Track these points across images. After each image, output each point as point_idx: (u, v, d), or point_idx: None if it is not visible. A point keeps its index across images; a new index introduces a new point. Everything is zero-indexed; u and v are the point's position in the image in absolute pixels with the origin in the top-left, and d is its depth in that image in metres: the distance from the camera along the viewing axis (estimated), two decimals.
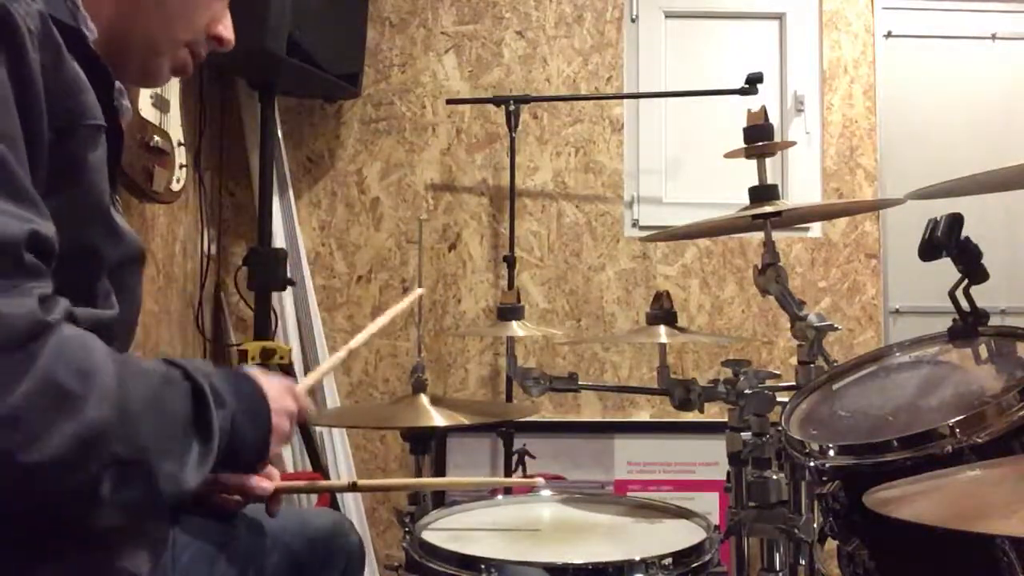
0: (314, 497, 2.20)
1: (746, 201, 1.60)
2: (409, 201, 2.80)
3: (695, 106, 2.80)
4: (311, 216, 2.78)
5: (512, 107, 2.58)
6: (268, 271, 2.39)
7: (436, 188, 2.80)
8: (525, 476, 2.57)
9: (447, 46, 2.83)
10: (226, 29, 1.01)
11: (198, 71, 2.47)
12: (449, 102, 2.72)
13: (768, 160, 1.61)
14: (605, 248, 2.82)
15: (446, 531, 1.44)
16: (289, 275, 2.47)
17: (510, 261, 2.61)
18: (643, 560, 1.24)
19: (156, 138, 1.83)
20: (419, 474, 1.62)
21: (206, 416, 0.84)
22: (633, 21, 2.86)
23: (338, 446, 2.61)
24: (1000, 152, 2.48)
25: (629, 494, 2.33)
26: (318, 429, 2.51)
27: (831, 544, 1.19)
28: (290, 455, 2.50)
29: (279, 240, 2.57)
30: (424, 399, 1.53)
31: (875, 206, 2.67)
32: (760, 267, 1.57)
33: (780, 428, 1.28)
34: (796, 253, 2.83)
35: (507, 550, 1.32)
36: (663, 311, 1.69)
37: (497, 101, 2.61)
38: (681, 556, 1.28)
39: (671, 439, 2.71)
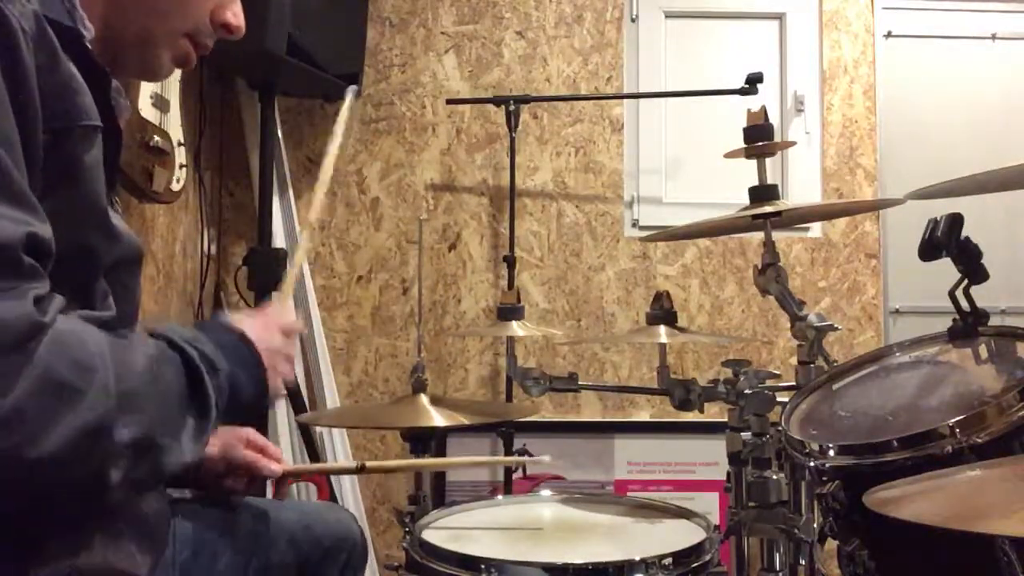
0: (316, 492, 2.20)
1: (746, 201, 1.60)
2: (409, 201, 2.80)
3: (695, 106, 2.80)
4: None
5: (512, 107, 2.58)
6: (268, 271, 2.39)
7: (436, 188, 2.80)
8: (525, 476, 2.58)
9: (447, 46, 2.83)
10: (235, 16, 0.98)
11: (199, 71, 2.49)
12: (449, 102, 2.72)
13: (768, 160, 1.61)
14: (605, 248, 2.82)
15: (446, 531, 1.44)
16: None
17: (510, 261, 2.61)
18: (643, 560, 1.24)
19: (156, 138, 1.83)
20: (420, 475, 1.62)
21: (201, 388, 0.84)
22: (633, 21, 2.86)
23: (338, 446, 2.61)
24: (1000, 152, 2.48)
25: (629, 494, 2.33)
26: (318, 429, 2.51)
27: (831, 544, 1.19)
28: (290, 455, 2.50)
29: (279, 240, 2.57)
30: (424, 399, 1.52)
31: (875, 206, 2.67)
32: (760, 267, 1.57)
33: (780, 428, 1.28)
34: (796, 253, 2.83)
35: (507, 550, 1.32)
36: (663, 311, 1.69)
37: (497, 101, 2.61)
38: (681, 556, 1.28)
39: (671, 439, 2.71)
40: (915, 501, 0.88)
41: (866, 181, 2.86)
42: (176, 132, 1.94)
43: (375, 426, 2.45)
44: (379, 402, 2.72)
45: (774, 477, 1.52)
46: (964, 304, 1.22)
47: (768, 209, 1.56)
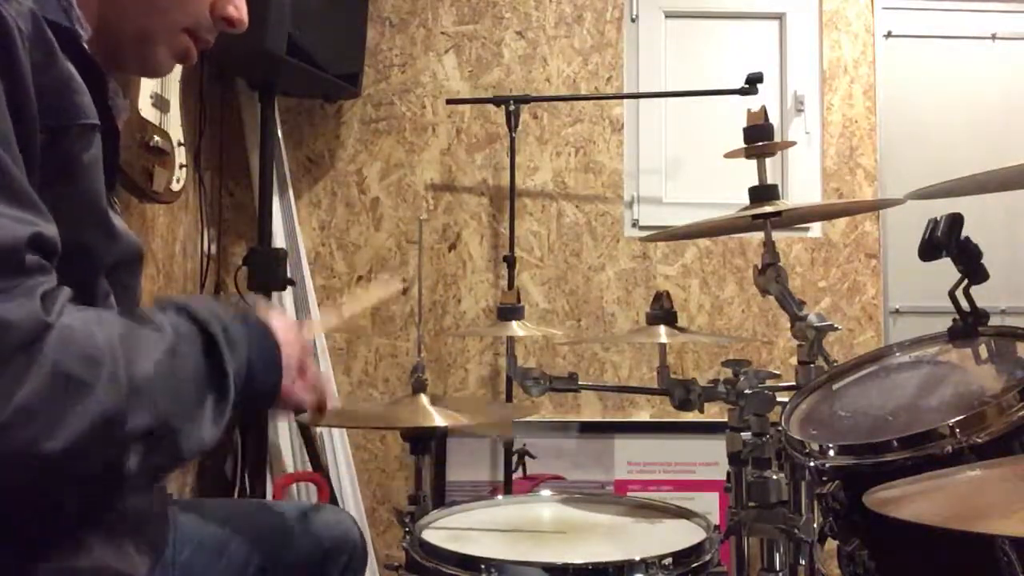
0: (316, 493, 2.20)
1: (746, 201, 1.60)
2: (409, 201, 2.80)
3: (695, 106, 2.80)
4: (311, 216, 2.78)
5: (512, 107, 2.57)
6: (268, 271, 2.39)
7: (436, 188, 2.80)
8: (525, 476, 2.58)
9: (447, 46, 2.83)
10: (236, 9, 0.95)
11: (199, 70, 2.49)
12: (449, 102, 2.72)
13: (768, 160, 1.61)
14: (605, 248, 2.82)
15: (446, 531, 1.44)
16: (289, 275, 2.47)
17: (510, 261, 2.61)
18: (643, 560, 1.24)
19: (156, 138, 1.83)
20: (420, 475, 1.62)
21: (221, 366, 0.82)
22: (633, 21, 2.86)
23: (338, 446, 2.60)
24: (1000, 152, 2.48)
25: (629, 494, 2.33)
26: (318, 429, 2.51)
27: (831, 544, 1.19)
28: (290, 455, 2.50)
29: (279, 240, 2.57)
30: (424, 399, 1.52)
31: (875, 206, 2.67)
32: (760, 267, 1.57)
33: (780, 428, 1.28)
34: (796, 253, 2.83)
35: (507, 550, 1.32)
36: (663, 311, 1.69)
37: (497, 101, 2.61)
38: (681, 556, 1.28)
39: (671, 439, 2.71)
40: (915, 501, 0.88)
41: (866, 181, 2.86)
42: (176, 132, 1.94)
43: (375, 426, 2.45)
44: (379, 402, 2.72)
45: (774, 477, 1.52)
46: (964, 304, 1.22)
47: (768, 209, 1.56)
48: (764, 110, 1.61)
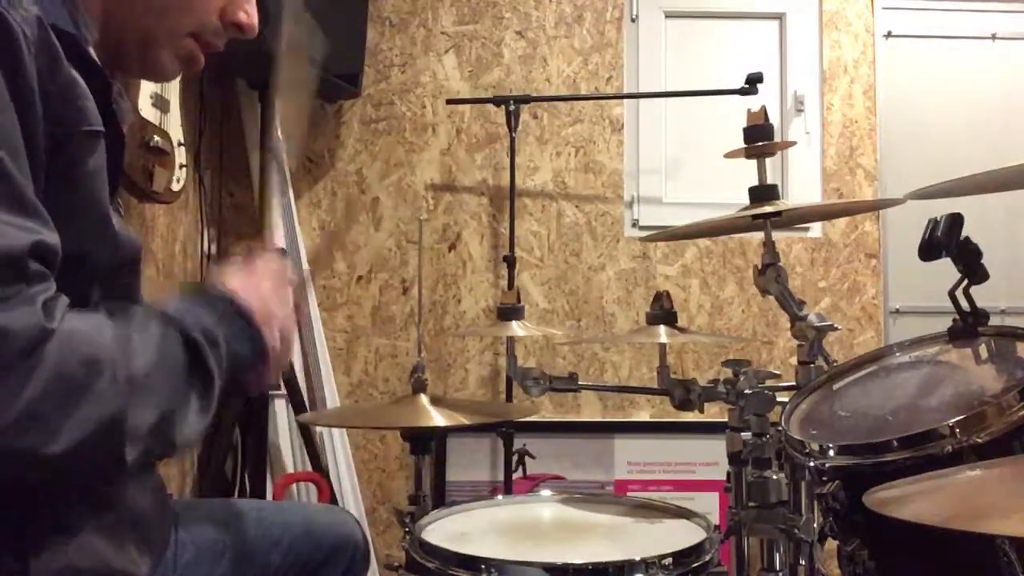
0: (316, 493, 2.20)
1: (746, 201, 1.60)
2: (409, 201, 2.80)
3: (695, 106, 2.80)
4: (311, 216, 2.78)
5: (512, 107, 2.57)
6: None
7: (436, 188, 2.80)
8: (525, 476, 2.58)
9: (447, 46, 2.83)
10: (247, 15, 0.95)
11: (198, 71, 2.48)
12: (449, 102, 2.72)
13: (768, 160, 1.61)
14: (605, 248, 2.82)
15: (446, 531, 1.44)
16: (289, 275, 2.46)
17: (510, 261, 2.61)
18: (643, 560, 1.24)
19: (156, 138, 1.83)
20: (420, 475, 1.62)
21: (203, 364, 0.82)
22: (633, 21, 2.86)
23: (338, 446, 2.61)
24: (1000, 152, 2.48)
25: (629, 494, 2.33)
26: (318, 429, 2.52)
27: (831, 544, 1.19)
28: (290, 455, 2.50)
29: (279, 240, 2.57)
30: (424, 399, 1.52)
31: (875, 206, 2.67)
32: (760, 267, 1.57)
33: (780, 428, 1.28)
34: (796, 253, 2.83)
35: (507, 550, 1.32)
36: (663, 311, 1.69)
37: (497, 101, 2.61)
38: (681, 556, 1.27)
39: (671, 439, 2.71)
40: (915, 501, 0.88)
41: (866, 181, 2.86)
42: (176, 132, 1.94)
43: (375, 426, 2.45)
44: (379, 402, 2.72)
45: (774, 477, 1.51)
46: (964, 304, 1.22)
47: (768, 209, 1.56)
48: (764, 110, 1.61)
